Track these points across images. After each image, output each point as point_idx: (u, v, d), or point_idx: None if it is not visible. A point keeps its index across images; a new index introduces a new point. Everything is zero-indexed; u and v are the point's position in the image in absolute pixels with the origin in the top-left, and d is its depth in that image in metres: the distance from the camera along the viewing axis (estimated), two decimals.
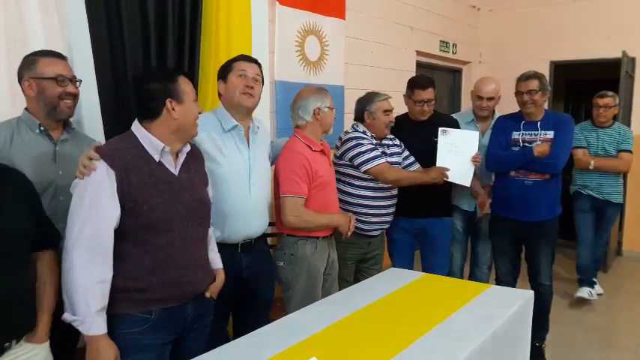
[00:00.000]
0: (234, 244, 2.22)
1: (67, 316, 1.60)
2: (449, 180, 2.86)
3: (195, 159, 1.88)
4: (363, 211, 2.76)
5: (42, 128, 1.88)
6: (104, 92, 2.37)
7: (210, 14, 2.79)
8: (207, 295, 1.87)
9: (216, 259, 1.98)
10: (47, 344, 1.66)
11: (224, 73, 2.23)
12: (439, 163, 2.88)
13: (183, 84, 1.73)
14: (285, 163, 2.38)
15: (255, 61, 2.25)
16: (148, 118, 1.70)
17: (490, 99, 3.12)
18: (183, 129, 1.73)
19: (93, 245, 1.57)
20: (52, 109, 1.87)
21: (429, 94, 2.93)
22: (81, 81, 1.96)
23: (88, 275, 1.56)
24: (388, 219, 2.86)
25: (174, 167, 1.74)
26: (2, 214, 1.50)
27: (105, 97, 2.37)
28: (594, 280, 4.20)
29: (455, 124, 3.04)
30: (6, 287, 1.49)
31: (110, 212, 1.59)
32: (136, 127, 1.72)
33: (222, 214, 2.14)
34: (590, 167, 3.92)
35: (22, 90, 1.90)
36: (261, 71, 2.26)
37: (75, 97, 1.93)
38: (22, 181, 1.64)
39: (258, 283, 2.33)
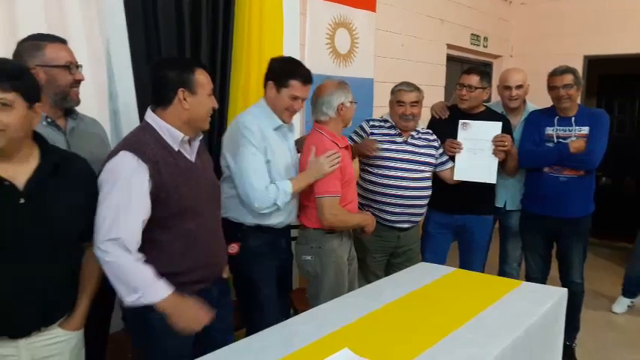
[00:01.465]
0: (278, 228, 2.33)
1: (128, 300, 1.62)
2: (471, 180, 2.83)
3: (202, 144, 1.91)
4: (387, 200, 2.74)
5: (49, 120, 1.77)
6: (140, 82, 2.41)
7: (242, 7, 2.81)
8: (225, 275, 1.97)
9: None
10: (81, 332, 1.68)
11: (280, 80, 2.24)
12: (458, 162, 2.84)
13: (200, 75, 1.72)
14: None
15: (311, 81, 2.30)
16: (160, 106, 1.72)
17: (519, 87, 3.03)
18: (193, 121, 1.74)
19: (126, 236, 1.59)
20: (62, 98, 1.78)
21: (470, 79, 2.88)
22: (82, 66, 1.86)
23: (126, 259, 1.60)
24: (417, 211, 2.82)
25: (190, 155, 1.78)
26: (59, 202, 1.52)
27: (140, 88, 2.41)
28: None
29: (506, 125, 2.91)
30: (52, 273, 1.53)
31: (141, 205, 1.62)
32: (153, 118, 1.72)
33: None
34: None
35: None
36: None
37: (80, 83, 1.85)
38: (86, 172, 1.64)
39: (288, 268, 2.49)
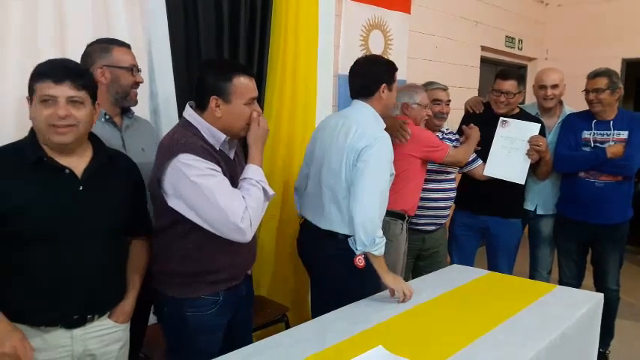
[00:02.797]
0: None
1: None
2: (500, 178, 2.80)
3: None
4: None
5: (107, 116, 1.90)
6: (179, 82, 2.47)
7: (279, 8, 2.85)
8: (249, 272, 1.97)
9: None
10: (127, 325, 1.74)
11: (391, 80, 2.19)
12: (491, 157, 2.82)
13: (238, 84, 1.68)
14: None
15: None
16: (198, 108, 1.74)
17: (554, 86, 2.96)
18: (228, 128, 1.72)
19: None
20: (123, 97, 1.91)
21: (507, 85, 2.83)
22: (140, 70, 1.99)
23: None
24: (442, 213, 2.82)
25: (230, 153, 1.80)
26: (112, 192, 1.61)
27: (180, 87, 2.47)
28: None
29: (541, 128, 2.84)
30: (101, 263, 1.60)
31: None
32: (194, 117, 1.71)
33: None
34: None
35: None
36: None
37: (139, 85, 1.99)
38: (132, 169, 1.74)
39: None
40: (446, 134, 2.87)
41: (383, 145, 2.06)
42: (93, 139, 1.63)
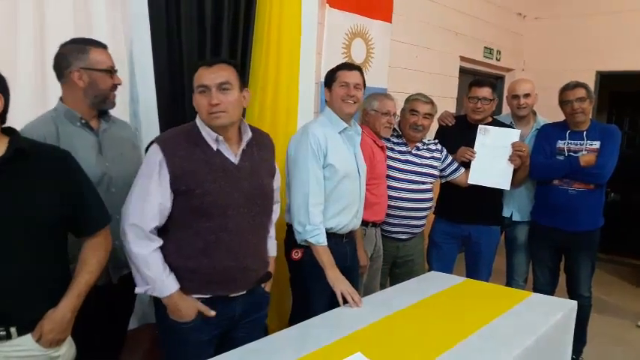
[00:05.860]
0: (340, 234, 2.34)
1: (138, 289, 1.73)
2: (485, 185, 2.86)
3: (264, 148, 1.91)
4: (386, 211, 2.76)
5: (83, 121, 1.83)
6: (161, 86, 2.47)
7: (262, 16, 2.86)
8: (267, 289, 1.94)
9: (272, 247, 2.03)
10: (64, 347, 1.55)
11: (329, 81, 2.35)
12: (474, 165, 2.88)
13: (196, 75, 1.74)
14: None
15: (357, 68, 2.36)
16: None
17: (527, 95, 3.06)
18: (202, 118, 1.75)
19: (142, 224, 1.68)
20: (102, 100, 1.85)
21: (484, 92, 2.93)
22: (117, 70, 1.92)
23: (142, 248, 1.68)
24: (416, 223, 2.85)
25: (233, 156, 1.78)
26: (25, 198, 1.43)
27: (161, 91, 2.47)
28: None
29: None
30: (20, 270, 1.43)
31: (159, 194, 1.68)
32: (198, 117, 1.78)
33: (339, 206, 2.27)
34: None
35: (65, 79, 1.81)
36: (362, 75, 2.37)
37: (117, 87, 1.92)
38: (61, 165, 1.53)
39: (355, 272, 2.46)
40: (426, 144, 2.91)
41: (300, 139, 2.23)
42: (9, 132, 1.47)
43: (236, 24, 2.72)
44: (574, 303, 2.09)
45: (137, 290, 1.73)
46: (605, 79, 5.68)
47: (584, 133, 2.91)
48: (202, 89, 1.71)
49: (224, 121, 1.72)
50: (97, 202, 1.63)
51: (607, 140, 2.87)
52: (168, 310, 1.73)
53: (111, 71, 1.86)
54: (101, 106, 1.88)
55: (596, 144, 2.88)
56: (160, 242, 1.72)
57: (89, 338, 1.66)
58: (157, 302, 1.76)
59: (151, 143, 1.76)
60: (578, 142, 2.91)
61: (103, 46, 1.87)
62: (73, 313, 1.53)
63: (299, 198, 2.18)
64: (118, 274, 1.90)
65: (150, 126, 2.47)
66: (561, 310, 1.98)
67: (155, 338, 1.99)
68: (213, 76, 1.70)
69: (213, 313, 1.75)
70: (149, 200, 1.68)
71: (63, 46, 1.83)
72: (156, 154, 1.70)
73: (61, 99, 1.85)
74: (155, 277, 1.69)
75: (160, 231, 1.75)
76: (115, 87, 1.89)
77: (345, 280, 2.08)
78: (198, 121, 1.78)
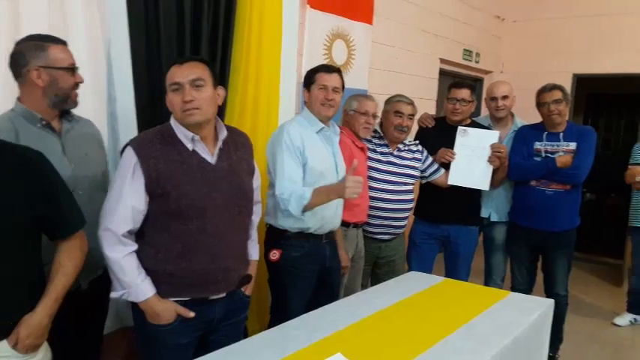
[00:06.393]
0: (318, 235, 2.33)
1: (114, 294, 1.70)
2: (464, 185, 2.89)
3: (241, 147, 1.90)
4: (368, 212, 2.77)
5: (43, 122, 1.74)
6: (139, 86, 2.43)
7: (243, 16, 2.85)
8: (248, 292, 1.93)
9: (253, 250, 2.01)
10: (39, 352, 1.51)
11: (308, 83, 2.37)
12: (453, 166, 2.91)
13: (168, 73, 1.73)
14: None
15: (336, 70, 2.36)
16: None
17: (504, 97, 3.11)
18: (176, 117, 1.73)
19: (115, 228, 1.66)
20: (63, 100, 1.76)
21: (463, 93, 2.97)
22: (79, 67, 1.83)
23: (116, 252, 1.66)
24: (398, 223, 2.88)
25: (210, 155, 1.77)
26: None
27: (140, 91, 2.44)
28: None
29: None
30: None
31: (133, 197, 1.66)
32: (172, 117, 1.77)
33: (317, 208, 2.24)
34: (637, 179, 3.72)
35: (23, 78, 1.72)
36: (342, 77, 2.38)
37: (79, 85, 1.83)
38: (28, 166, 1.47)
39: (335, 273, 2.47)
40: (407, 145, 2.93)
41: (276, 137, 2.28)
42: None
43: (216, 24, 2.70)
44: (551, 302, 2.12)
45: (112, 295, 1.71)
46: (582, 81, 5.78)
47: (561, 134, 2.96)
48: (175, 87, 1.69)
49: (198, 118, 1.70)
50: (72, 203, 1.59)
51: (583, 141, 2.92)
52: (146, 314, 1.71)
53: (72, 69, 1.78)
54: (63, 106, 1.79)
55: (573, 145, 2.93)
56: (134, 246, 1.70)
57: (64, 343, 1.62)
58: (135, 305, 1.73)
59: (126, 146, 1.73)
60: (555, 143, 2.96)
61: (63, 43, 1.79)
62: (50, 318, 1.50)
63: (279, 189, 2.17)
64: (88, 279, 1.85)
65: (128, 126, 2.43)
66: (538, 309, 2.01)
67: (133, 342, 1.96)
68: (186, 72, 1.69)
69: (192, 314, 1.74)
70: (122, 204, 1.66)
71: (19, 43, 1.72)
72: (130, 158, 1.68)
73: (18, 99, 1.75)
74: (130, 281, 1.67)
75: (138, 235, 1.73)
76: (76, 85, 1.81)
77: (337, 183, 2.10)
78: (172, 121, 1.76)
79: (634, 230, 3.93)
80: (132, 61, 2.41)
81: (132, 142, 1.72)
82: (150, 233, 1.72)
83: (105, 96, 2.37)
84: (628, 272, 4.14)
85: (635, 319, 3.99)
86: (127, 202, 1.66)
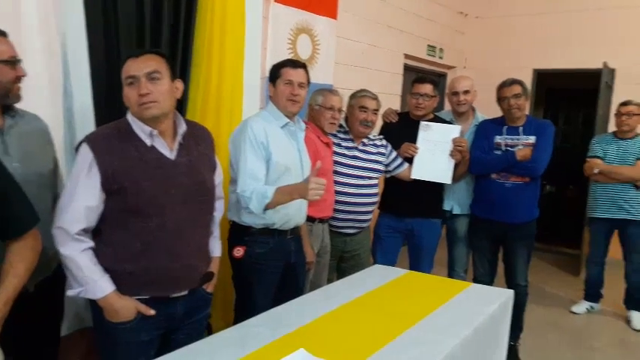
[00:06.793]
0: (283, 230, 2.31)
1: (70, 292, 1.66)
2: (427, 179, 2.93)
3: (202, 142, 1.86)
4: (333, 206, 2.78)
5: None
6: (97, 81, 2.37)
7: (204, 10, 2.80)
8: (209, 289, 1.91)
9: (215, 247, 1.98)
10: None
11: (273, 77, 2.34)
12: (416, 160, 2.94)
13: (124, 67, 1.68)
14: None
15: (302, 65, 2.34)
16: None
17: (466, 92, 3.16)
18: (133, 112, 1.70)
19: (67, 226, 1.62)
20: (4, 95, 1.69)
21: (425, 88, 3.00)
22: (21, 60, 1.75)
23: (70, 249, 1.62)
24: (363, 217, 2.89)
25: (169, 151, 1.74)
26: None
27: (97, 86, 2.37)
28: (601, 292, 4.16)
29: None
30: None
31: (87, 194, 1.63)
32: (129, 112, 1.73)
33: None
34: (595, 172, 3.82)
35: None
36: (307, 72, 2.36)
37: (21, 79, 1.75)
38: None
39: (300, 268, 2.46)
40: (372, 140, 2.94)
41: (239, 132, 2.26)
42: None
43: (177, 17, 2.65)
44: (510, 292, 2.17)
45: (69, 293, 1.67)
46: (542, 76, 5.93)
47: (520, 128, 3.03)
48: (130, 80, 1.65)
49: (155, 111, 1.66)
50: (24, 201, 1.54)
51: (541, 135, 2.99)
52: (104, 312, 1.67)
53: (13, 62, 1.70)
54: (4, 101, 1.72)
55: (532, 139, 3.00)
56: (90, 243, 1.66)
57: (19, 348, 1.57)
58: (94, 303, 1.70)
59: (81, 142, 1.68)
60: (515, 137, 3.03)
61: (3, 34, 1.71)
62: (1, 321, 1.45)
63: (241, 186, 2.15)
64: (34, 281, 1.77)
65: (85, 122, 2.37)
66: (498, 299, 2.05)
67: (92, 342, 1.92)
68: (141, 65, 1.65)
69: (152, 312, 1.71)
70: (74, 202, 1.62)
71: None
72: (85, 155, 1.63)
73: None
74: (87, 278, 1.63)
75: (95, 233, 1.69)
76: (18, 79, 1.72)
77: (300, 183, 2.09)
78: (129, 116, 1.72)
79: (591, 221, 4.07)
80: (89, 55, 2.34)
81: (87, 139, 1.67)
82: (108, 232, 1.68)
83: (61, 90, 2.29)
84: (586, 262, 4.27)
85: (591, 306, 4.14)
86: (79, 201, 1.62)
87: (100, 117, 2.36)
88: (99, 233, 1.69)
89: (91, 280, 1.63)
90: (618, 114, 3.85)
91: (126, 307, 1.67)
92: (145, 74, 1.64)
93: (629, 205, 3.78)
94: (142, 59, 1.67)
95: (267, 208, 2.10)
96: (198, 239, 1.84)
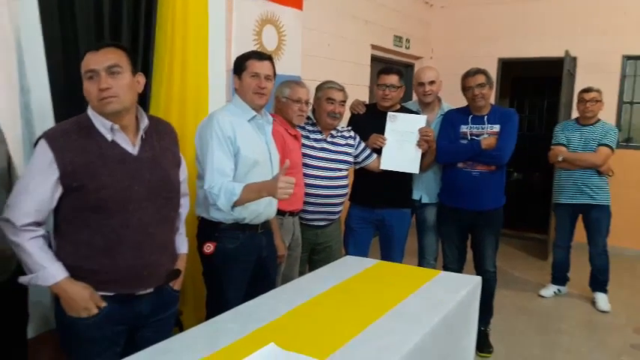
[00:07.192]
0: (254, 225, 2.28)
1: (22, 278, 1.63)
2: (396, 170, 2.95)
3: (165, 136, 1.84)
4: (304, 199, 2.78)
5: None
6: (55, 75, 2.29)
7: (166, 1, 2.73)
8: (177, 287, 1.88)
9: (181, 243, 1.96)
10: None
11: (238, 69, 2.29)
12: (385, 151, 2.96)
13: (84, 61, 1.65)
14: None
15: (267, 57, 2.30)
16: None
17: (431, 82, 3.19)
18: (93, 106, 1.67)
19: (14, 219, 1.59)
20: None
21: (391, 79, 3.01)
22: None
23: (20, 237, 1.60)
24: (333, 209, 2.90)
25: (131, 146, 1.71)
26: None
27: (55, 80, 2.29)
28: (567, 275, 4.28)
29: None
30: None
31: (36, 192, 1.59)
32: (89, 107, 1.69)
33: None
34: (560, 159, 3.91)
35: None
36: (273, 64, 2.32)
37: None
38: None
39: (272, 262, 2.45)
40: (340, 131, 2.94)
41: (205, 126, 2.22)
42: None
43: (137, 9, 2.58)
44: (478, 279, 2.20)
45: (21, 280, 1.64)
46: (507, 65, 6.03)
47: (485, 117, 3.07)
48: (90, 74, 1.62)
49: (116, 106, 1.63)
50: None
51: (505, 124, 3.04)
52: (61, 302, 1.64)
53: None
54: None
55: (496, 127, 3.04)
56: (41, 231, 1.63)
57: None
58: (57, 303, 1.67)
59: (39, 139, 1.64)
60: (480, 126, 3.07)
61: None
62: None
63: (209, 182, 2.12)
64: None
65: (44, 118, 2.29)
66: (467, 286, 2.08)
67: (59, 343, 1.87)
68: (101, 59, 1.61)
69: (104, 303, 1.68)
70: (24, 198, 1.59)
71: None
72: (43, 152, 1.59)
73: None
74: (36, 265, 1.60)
75: (56, 232, 1.66)
76: None
77: (269, 181, 2.07)
78: (90, 111, 1.68)
79: (557, 207, 4.17)
80: (45, 50, 2.26)
81: (45, 135, 1.63)
82: (69, 230, 1.65)
83: (17, 86, 2.21)
84: (552, 246, 4.38)
85: (559, 289, 4.25)
86: (32, 196, 1.59)
87: (60, 112, 2.29)
88: (59, 232, 1.66)
89: (40, 266, 1.60)
90: (582, 100, 3.94)
91: (80, 294, 1.63)
92: (105, 68, 1.61)
93: (592, 190, 3.89)
94: (102, 53, 1.63)
95: (235, 205, 2.07)
96: (164, 236, 1.81)
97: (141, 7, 2.59)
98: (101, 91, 1.60)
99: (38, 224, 1.62)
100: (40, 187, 1.59)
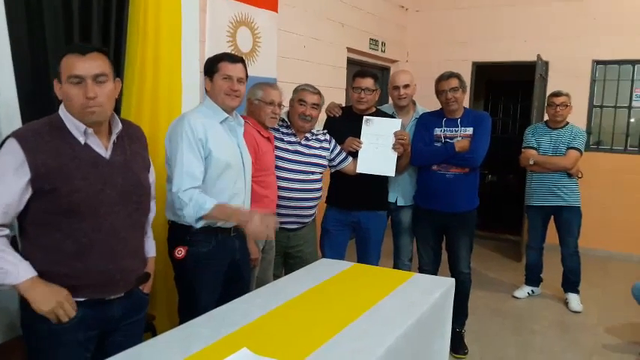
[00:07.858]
0: (226, 228, 2.24)
1: None
2: (372, 173, 2.96)
3: (136, 140, 1.81)
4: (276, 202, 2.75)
5: None
6: (21, 74, 2.22)
7: (138, 1, 2.69)
8: (146, 290, 1.86)
9: (150, 247, 1.94)
10: None
11: (210, 71, 2.26)
12: (361, 155, 2.97)
13: (66, 62, 1.60)
14: None
15: (240, 60, 2.27)
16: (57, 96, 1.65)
17: (406, 86, 3.21)
18: (73, 111, 1.62)
19: None
20: None
21: (366, 82, 3.02)
22: None
23: None
24: (306, 212, 2.88)
25: (104, 149, 1.68)
26: None
27: (22, 80, 2.23)
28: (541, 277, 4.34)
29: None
30: None
31: (7, 192, 1.54)
32: (62, 108, 1.65)
33: (223, 198, 2.17)
34: (531, 162, 3.97)
35: None
36: (245, 66, 2.29)
37: None
38: None
39: (245, 265, 2.41)
40: (315, 134, 2.93)
41: (175, 127, 2.17)
42: None
43: (108, 9, 2.53)
44: (452, 280, 2.21)
45: None
46: (481, 68, 6.11)
47: (459, 120, 3.10)
48: (76, 80, 1.57)
49: (99, 117, 1.62)
50: None
51: (478, 127, 3.08)
52: (31, 304, 1.57)
53: None
54: None
55: (470, 130, 3.08)
56: (5, 231, 1.57)
57: None
58: (23, 306, 1.61)
59: (7, 138, 1.58)
60: (453, 129, 3.10)
61: None
62: None
63: (177, 184, 2.09)
64: None
65: (11, 118, 2.22)
66: (441, 288, 2.09)
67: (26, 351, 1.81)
68: (88, 66, 1.58)
69: (74, 312, 1.63)
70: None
71: None
72: (14, 152, 1.54)
73: None
74: (4, 260, 1.54)
75: (23, 236, 1.61)
76: None
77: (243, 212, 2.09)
78: (62, 111, 1.64)
79: (529, 209, 4.24)
80: (12, 50, 2.19)
81: (15, 134, 1.58)
82: (37, 234, 1.60)
83: None
84: (526, 248, 4.44)
85: (532, 290, 4.32)
86: (4, 198, 1.54)
87: (27, 112, 2.23)
88: (27, 236, 1.62)
89: (10, 264, 1.55)
90: (551, 105, 4.01)
91: (53, 292, 1.58)
92: (93, 76, 1.58)
93: (563, 192, 3.96)
94: (89, 59, 1.59)
95: (200, 218, 2.06)
96: (135, 241, 1.79)
97: (111, 5, 2.54)
98: (87, 100, 1.57)
99: (3, 226, 1.57)
100: (8, 188, 1.53)
